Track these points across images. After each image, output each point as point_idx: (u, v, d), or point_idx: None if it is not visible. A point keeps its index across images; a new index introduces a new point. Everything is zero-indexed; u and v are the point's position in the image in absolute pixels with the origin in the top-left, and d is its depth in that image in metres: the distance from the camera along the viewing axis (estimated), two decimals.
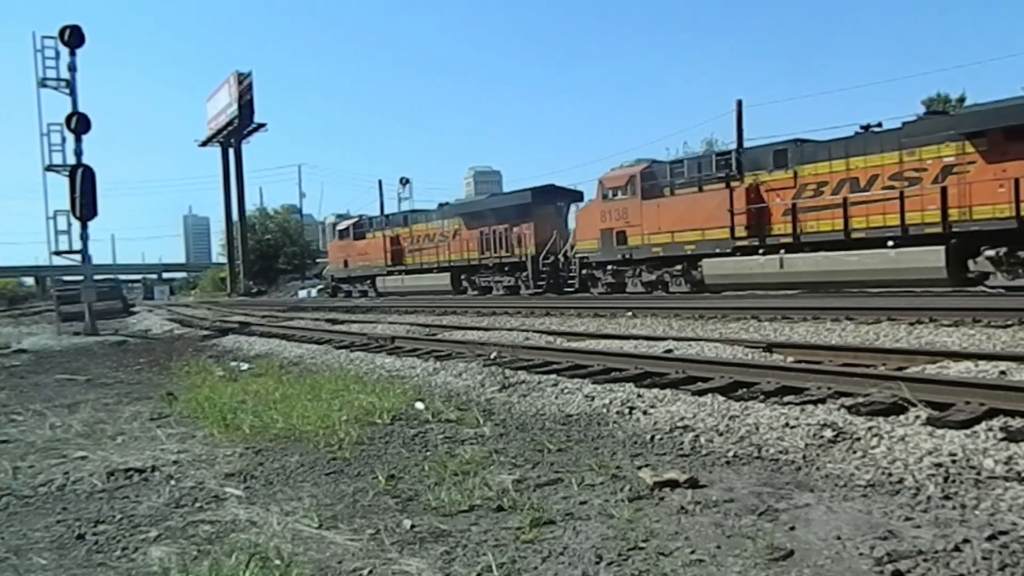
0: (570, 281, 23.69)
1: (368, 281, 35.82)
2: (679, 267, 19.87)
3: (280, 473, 3.89)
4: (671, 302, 14.89)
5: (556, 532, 2.78)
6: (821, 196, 16.56)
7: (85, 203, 17.18)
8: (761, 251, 17.57)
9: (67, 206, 17.76)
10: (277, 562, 2.57)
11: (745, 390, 5.05)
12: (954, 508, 2.80)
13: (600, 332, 9.75)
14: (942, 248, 14.34)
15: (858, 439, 3.70)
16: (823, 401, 4.49)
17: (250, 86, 51.41)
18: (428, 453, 4.15)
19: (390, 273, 33.60)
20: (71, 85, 17.74)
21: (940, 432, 3.63)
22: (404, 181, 54.26)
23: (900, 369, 5.37)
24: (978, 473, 3.12)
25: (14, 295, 67.22)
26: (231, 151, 54.55)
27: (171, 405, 6.20)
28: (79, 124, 17.37)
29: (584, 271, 22.81)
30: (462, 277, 29.16)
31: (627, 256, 21.12)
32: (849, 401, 4.39)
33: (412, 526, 2.92)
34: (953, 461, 3.25)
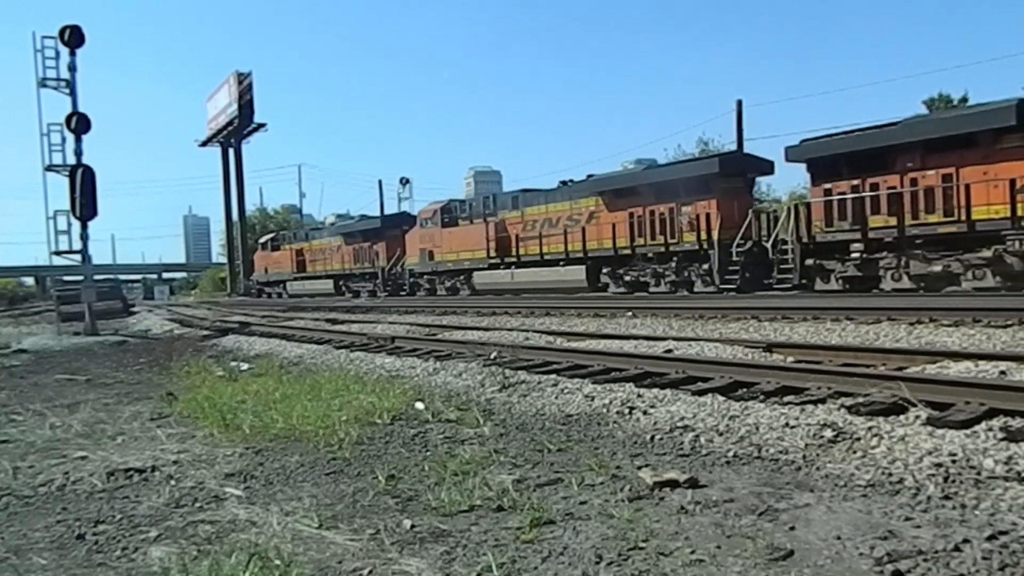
0: (404, 287, 31.55)
1: (281, 285, 42.84)
2: (463, 277, 27.48)
3: (280, 473, 3.89)
4: (671, 302, 15.01)
5: (556, 532, 2.78)
6: (534, 230, 24.30)
7: (85, 203, 17.18)
8: (502, 267, 25.26)
9: (67, 206, 17.76)
10: (277, 562, 2.57)
11: (745, 390, 5.04)
12: (954, 508, 2.80)
13: (600, 332, 9.75)
14: (583, 267, 22.26)
15: (858, 439, 3.70)
16: (823, 401, 4.49)
17: (250, 86, 51.45)
18: (428, 453, 4.15)
19: (296, 279, 40.74)
20: (71, 85, 17.73)
21: (940, 432, 3.63)
22: (404, 181, 54.39)
23: (900, 369, 5.37)
24: (978, 473, 3.12)
25: (14, 295, 67.07)
26: (231, 151, 54.58)
27: (171, 405, 6.20)
28: (79, 124, 17.37)
29: (412, 279, 30.95)
30: (341, 283, 36.54)
31: (434, 269, 28.97)
32: (849, 401, 4.39)
33: (412, 526, 2.92)
34: (953, 461, 3.25)
